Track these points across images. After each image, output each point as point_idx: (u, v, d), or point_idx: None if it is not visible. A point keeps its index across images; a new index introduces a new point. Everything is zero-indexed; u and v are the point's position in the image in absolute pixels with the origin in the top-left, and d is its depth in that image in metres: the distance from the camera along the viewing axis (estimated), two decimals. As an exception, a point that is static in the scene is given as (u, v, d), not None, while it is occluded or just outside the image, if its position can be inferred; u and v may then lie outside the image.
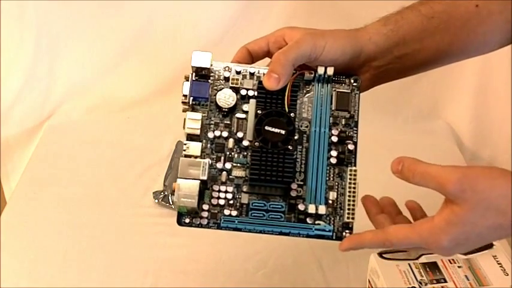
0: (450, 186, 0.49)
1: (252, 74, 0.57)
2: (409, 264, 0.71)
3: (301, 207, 0.56)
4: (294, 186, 0.56)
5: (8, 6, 0.97)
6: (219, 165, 0.56)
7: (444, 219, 0.50)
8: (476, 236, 0.50)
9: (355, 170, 0.56)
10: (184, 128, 0.56)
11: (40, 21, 1.00)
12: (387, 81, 0.61)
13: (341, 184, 0.57)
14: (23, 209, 0.89)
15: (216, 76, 0.58)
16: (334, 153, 0.57)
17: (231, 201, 0.56)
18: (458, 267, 0.71)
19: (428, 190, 0.51)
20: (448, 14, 0.59)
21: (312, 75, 0.57)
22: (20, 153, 1.08)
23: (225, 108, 0.57)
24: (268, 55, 0.60)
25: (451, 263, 0.71)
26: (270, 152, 0.54)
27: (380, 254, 0.72)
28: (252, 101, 0.57)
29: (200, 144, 0.55)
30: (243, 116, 0.57)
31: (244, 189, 0.56)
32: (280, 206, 0.56)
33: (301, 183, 0.56)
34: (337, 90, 0.58)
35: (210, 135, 0.57)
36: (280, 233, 0.56)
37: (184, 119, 0.56)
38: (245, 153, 0.56)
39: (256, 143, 0.55)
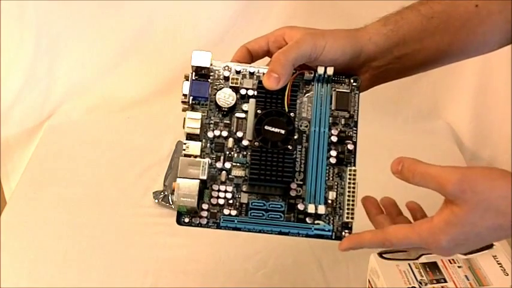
0: (450, 187, 0.49)
1: (251, 74, 0.57)
2: (409, 264, 0.71)
3: (300, 207, 0.56)
4: (293, 186, 0.56)
5: (8, 6, 0.97)
6: (219, 164, 0.56)
7: (444, 219, 0.50)
8: (475, 237, 0.50)
9: (355, 170, 0.56)
10: (184, 127, 0.55)
11: (40, 21, 1.00)
12: (387, 81, 0.61)
13: (340, 184, 0.57)
14: (23, 209, 0.88)
15: (216, 75, 0.57)
16: (333, 153, 0.57)
17: (231, 201, 0.56)
18: (458, 267, 0.71)
19: (428, 190, 0.51)
20: (448, 14, 0.59)
21: (312, 75, 0.57)
22: (20, 153, 1.08)
23: (224, 108, 0.57)
24: (268, 54, 0.60)
25: (451, 263, 0.71)
26: (270, 152, 0.54)
27: (380, 254, 0.72)
28: (252, 101, 0.57)
29: (200, 143, 0.55)
30: (242, 115, 0.57)
31: (244, 189, 0.56)
32: (279, 206, 0.56)
33: (301, 183, 0.56)
34: (337, 90, 0.58)
35: (210, 134, 0.56)
36: (280, 233, 0.56)
37: (184, 119, 0.56)
38: (245, 153, 0.56)
39: (255, 143, 0.55)
